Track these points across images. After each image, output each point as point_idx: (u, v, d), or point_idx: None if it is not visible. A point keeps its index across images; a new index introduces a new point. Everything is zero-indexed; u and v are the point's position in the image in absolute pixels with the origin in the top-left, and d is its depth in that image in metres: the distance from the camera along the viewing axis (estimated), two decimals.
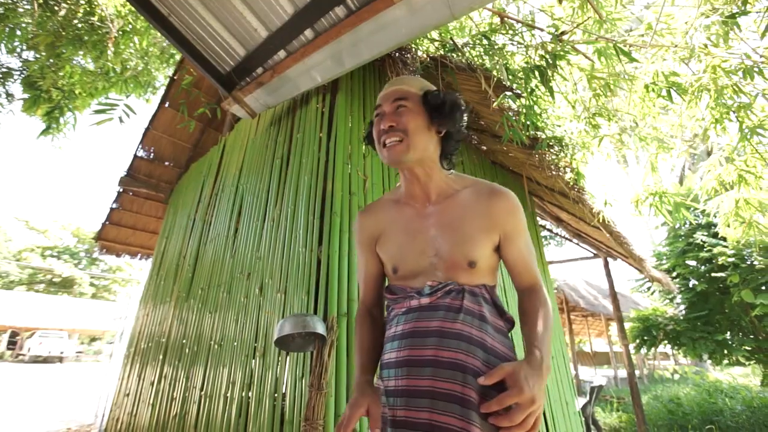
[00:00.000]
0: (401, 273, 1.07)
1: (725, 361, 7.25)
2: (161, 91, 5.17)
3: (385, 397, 0.96)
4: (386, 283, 1.16)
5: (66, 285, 31.67)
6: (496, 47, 2.87)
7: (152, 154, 5.61)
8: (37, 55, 4.07)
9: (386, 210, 1.16)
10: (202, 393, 2.71)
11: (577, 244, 6.86)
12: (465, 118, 1.10)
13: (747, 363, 7.19)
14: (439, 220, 1.05)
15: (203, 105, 3.89)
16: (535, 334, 0.95)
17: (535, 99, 2.90)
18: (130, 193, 6.03)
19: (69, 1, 3.90)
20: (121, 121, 3.39)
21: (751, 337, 6.93)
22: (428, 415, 0.87)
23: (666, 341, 7.93)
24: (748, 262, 6.66)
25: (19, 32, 3.94)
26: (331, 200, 2.31)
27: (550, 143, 3.34)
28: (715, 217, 3.77)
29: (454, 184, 1.10)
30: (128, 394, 4.02)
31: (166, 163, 5.75)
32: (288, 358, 2.13)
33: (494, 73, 2.72)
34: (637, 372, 13.89)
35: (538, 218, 5.23)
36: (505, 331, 0.99)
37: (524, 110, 2.82)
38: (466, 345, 0.91)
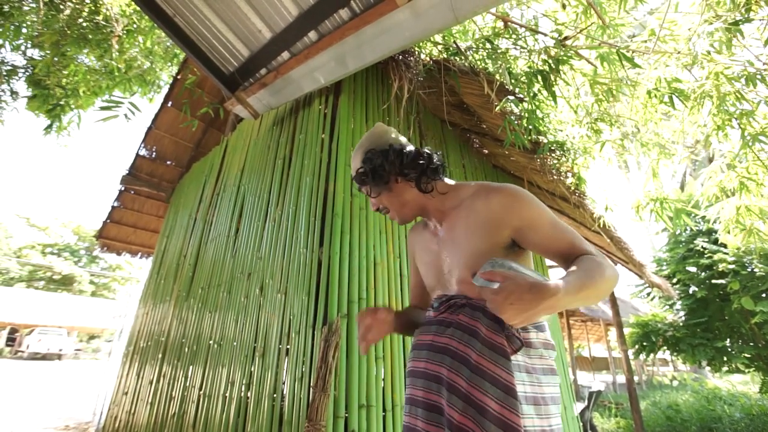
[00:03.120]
0: (429, 289, 1.18)
1: (724, 368, 7.24)
2: (164, 91, 5.19)
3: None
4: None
5: (66, 282, 31.67)
6: (499, 51, 2.88)
7: (154, 153, 5.62)
8: (42, 54, 4.09)
9: (419, 231, 1.27)
10: (201, 392, 2.71)
11: None
12: (388, 157, 1.10)
13: (746, 370, 7.18)
14: (446, 239, 1.09)
15: (206, 105, 3.90)
16: (579, 274, 0.85)
17: (537, 103, 2.90)
18: (132, 192, 6.04)
19: (74, 0, 3.92)
20: (126, 118, 3.41)
21: (751, 344, 6.92)
22: (423, 425, 0.94)
23: (665, 347, 7.92)
24: (749, 270, 6.65)
25: (24, 30, 3.96)
26: (332, 202, 2.31)
27: (552, 148, 3.35)
28: (716, 223, 3.78)
29: (454, 198, 1.11)
30: (127, 393, 4.02)
31: (168, 163, 5.76)
32: (287, 358, 2.13)
33: (497, 77, 2.72)
34: (635, 378, 13.86)
35: None
36: (503, 350, 0.89)
37: (526, 114, 2.83)
38: (449, 360, 0.93)
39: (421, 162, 1.11)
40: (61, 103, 4.17)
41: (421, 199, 1.13)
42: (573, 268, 0.88)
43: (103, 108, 3.32)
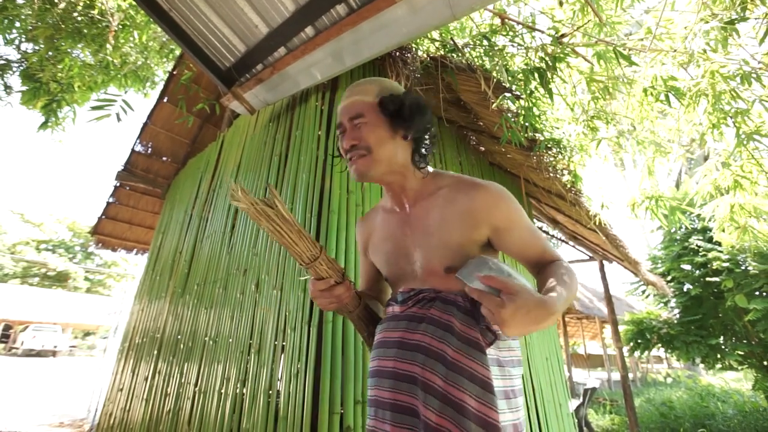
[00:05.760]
0: (390, 280, 1.09)
1: (718, 366, 7.30)
2: (160, 86, 5.15)
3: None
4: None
5: (60, 279, 31.53)
6: (496, 48, 2.87)
7: (150, 149, 5.59)
8: (36, 48, 4.05)
9: (376, 218, 1.15)
10: (197, 389, 2.71)
11: (573, 246, 6.89)
12: (428, 117, 1.03)
13: (739, 368, 7.24)
14: (417, 225, 1.01)
15: (202, 101, 3.88)
16: (556, 285, 0.83)
17: (534, 101, 2.91)
18: (127, 188, 6.01)
19: None
20: (118, 118, 3.36)
21: (744, 341, 6.98)
22: (390, 428, 0.88)
23: (659, 345, 7.97)
24: (743, 267, 6.70)
25: (18, 24, 3.92)
26: (328, 198, 2.31)
27: (549, 145, 3.36)
28: (711, 221, 3.80)
29: (431, 184, 1.04)
30: (122, 389, 4.01)
31: (164, 159, 5.73)
32: (283, 355, 2.13)
33: (494, 74, 2.72)
34: (630, 375, 13.96)
35: (534, 220, 5.25)
36: (479, 344, 0.86)
37: (523, 112, 2.83)
38: (423, 357, 0.88)
39: (434, 139, 1.06)
40: (57, 98, 4.14)
41: (405, 169, 1.02)
42: (552, 278, 0.85)
43: (95, 107, 3.27)
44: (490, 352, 0.88)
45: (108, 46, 4.01)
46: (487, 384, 0.82)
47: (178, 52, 4.99)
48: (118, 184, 5.87)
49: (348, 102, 1.01)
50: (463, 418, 0.80)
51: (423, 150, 1.03)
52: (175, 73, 4.80)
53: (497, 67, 2.77)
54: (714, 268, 7.02)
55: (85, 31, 3.93)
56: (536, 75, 2.57)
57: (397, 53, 2.67)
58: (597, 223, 3.96)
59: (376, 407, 0.93)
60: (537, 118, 3.03)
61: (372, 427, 0.93)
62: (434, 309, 0.92)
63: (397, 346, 0.93)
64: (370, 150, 0.97)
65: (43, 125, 4.16)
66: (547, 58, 2.57)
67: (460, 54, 2.92)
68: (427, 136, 1.04)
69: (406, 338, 0.92)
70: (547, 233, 7.20)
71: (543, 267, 0.94)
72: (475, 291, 0.75)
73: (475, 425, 0.79)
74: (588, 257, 7.23)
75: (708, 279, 7.21)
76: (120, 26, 4.13)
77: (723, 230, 3.64)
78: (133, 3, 3.87)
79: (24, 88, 4.04)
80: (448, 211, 0.97)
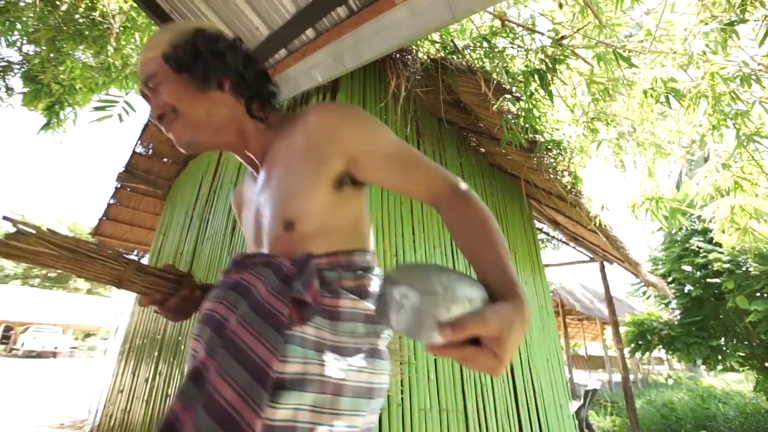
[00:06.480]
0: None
1: (719, 367, 7.29)
2: None
3: None
4: None
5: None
6: (496, 50, 2.88)
7: (151, 150, 5.59)
8: (38, 49, 4.07)
9: (244, 186, 0.98)
10: None
11: (574, 247, 6.89)
12: (238, 54, 0.82)
13: (741, 369, 7.24)
14: (264, 182, 0.82)
15: None
16: (485, 257, 0.62)
17: (534, 102, 2.91)
18: (128, 189, 6.02)
19: None
20: (120, 118, 3.37)
21: (745, 343, 6.97)
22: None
23: (660, 346, 7.97)
24: (743, 269, 6.70)
25: (19, 26, 3.94)
26: None
27: (549, 146, 3.36)
28: (711, 223, 3.80)
29: (277, 133, 0.84)
30: (122, 391, 4.02)
31: (165, 160, 5.73)
32: None
33: (494, 75, 2.73)
34: (631, 376, 13.95)
35: (534, 221, 5.25)
36: (276, 318, 0.62)
37: (523, 113, 2.83)
38: (209, 333, 0.67)
39: (265, 78, 0.85)
40: (60, 100, 4.15)
41: (238, 122, 0.82)
42: (478, 244, 0.64)
43: (97, 108, 3.29)
44: (307, 331, 0.66)
45: (109, 47, 4.02)
46: (260, 373, 0.58)
47: None
48: (118, 186, 5.87)
49: (140, 63, 0.80)
50: (199, 408, 0.59)
51: (257, 96, 0.83)
52: None
53: (497, 69, 2.78)
54: (715, 269, 7.02)
55: (87, 33, 3.94)
56: (536, 77, 2.58)
57: (398, 55, 2.68)
58: (597, 225, 3.96)
59: None
60: (537, 120, 3.04)
61: None
62: (249, 273, 0.71)
63: (199, 320, 0.73)
64: (177, 111, 0.78)
65: (45, 126, 4.17)
66: (547, 60, 2.58)
67: (460, 56, 2.93)
68: (248, 78, 0.83)
69: (207, 310, 0.72)
70: (547, 234, 7.21)
71: (445, 208, 0.74)
72: (440, 350, 0.49)
73: (210, 419, 0.56)
74: (589, 258, 7.23)
75: (709, 280, 7.21)
76: (121, 28, 4.14)
77: (723, 231, 3.64)
78: (135, 5, 3.88)
79: (25, 89, 4.06)
80: (289, 155, 0.78)
